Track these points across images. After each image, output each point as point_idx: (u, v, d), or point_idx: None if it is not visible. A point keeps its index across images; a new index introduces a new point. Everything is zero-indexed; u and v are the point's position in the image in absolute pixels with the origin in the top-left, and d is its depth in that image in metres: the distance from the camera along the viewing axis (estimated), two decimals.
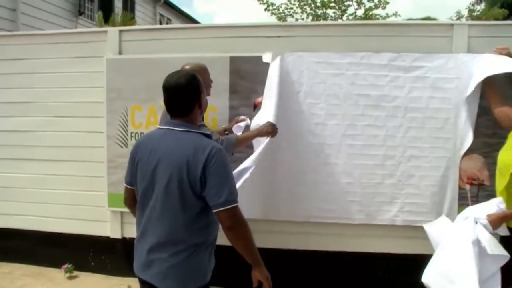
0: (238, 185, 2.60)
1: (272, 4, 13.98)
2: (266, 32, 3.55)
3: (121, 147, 3.72)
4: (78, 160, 3.91)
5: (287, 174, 3.44)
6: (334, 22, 10.78)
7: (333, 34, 3.53)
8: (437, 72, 3.33)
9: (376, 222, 3.43)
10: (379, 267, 3.53)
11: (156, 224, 1.92)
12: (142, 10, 15.48)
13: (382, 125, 3.38)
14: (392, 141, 3.38)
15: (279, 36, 3.51)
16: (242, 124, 3.36)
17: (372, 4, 13.26)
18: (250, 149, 3.27)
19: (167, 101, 1.99)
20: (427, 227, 2.97)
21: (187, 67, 2.92)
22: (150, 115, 3.66)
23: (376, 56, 3.38)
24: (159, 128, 2.05)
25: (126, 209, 2.28)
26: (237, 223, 1.90)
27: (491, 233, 2.68)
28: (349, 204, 3.43)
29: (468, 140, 3.28)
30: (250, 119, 3.37)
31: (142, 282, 2.00)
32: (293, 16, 14.10)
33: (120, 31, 3.81)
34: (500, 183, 2.74)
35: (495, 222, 2.68)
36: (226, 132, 3.36)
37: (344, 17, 13.57)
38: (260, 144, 3.13)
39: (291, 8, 13.98)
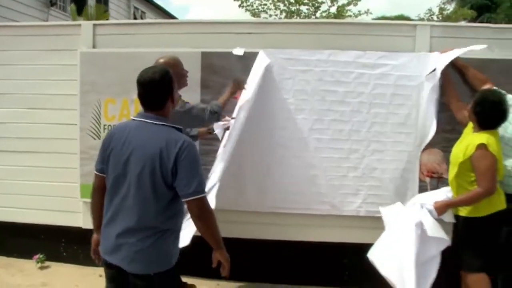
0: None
1: (246, 0, 14.05)
2: (237, 29, 3.66)
3: (94, 139, 3.77)
4: (51, 151, 3.95)
5: (256, 166, 3.57)
6: (303, 20, 10.94)
7: (303, 32, 3.65)
8: (400, 70, 3.49)
9: (341, 213, 3.58)
10: (344, 256, 3.69)
11: (127, 211, 2.01)
12: (116, 2, 15.35)
13: (348, 120, 3.53)
14: (357, 136, 3.53)
15: (250, 33, 3.62)
16: (222, 123, 3.42)
17: (345, 1, 13.46)
18: (218, 142, 3.42)
19: (141, 95, 2.08)
20: (382, 209, 3.17)
21: (161, 60, 3.01)
22: (123, 108, 3.72)
23: (343, 53, 3.52)
24: (133, 119, 2.13)
25: None
26: (205, 212, 2.02)
27: (436, 218, 2.90)
28: (315, 196, 3.57)
29: (430, 135, 3.45)
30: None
31: (108, 264, 2.09)
32: (266, 12, 14.18)
33: (94, 25, 3.86)
34: (451, 173, 2.96)
35: (440, 209, 2.92)
36: (210, 131, 3.48)
37: (318, 14, 13.71)
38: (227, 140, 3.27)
39: (265, 5, 14.05)
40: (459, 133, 3.16)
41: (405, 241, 2.85)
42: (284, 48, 3.54)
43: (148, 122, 2.05)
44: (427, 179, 3.54)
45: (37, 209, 4.01)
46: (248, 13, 14.25)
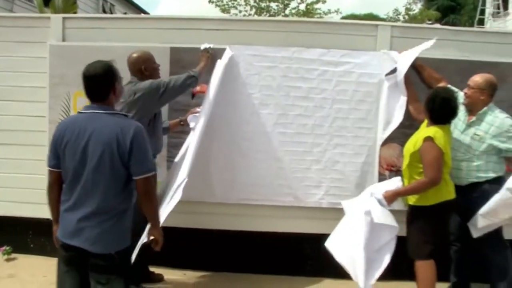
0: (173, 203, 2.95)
1: None
2: (205, 25, 3.75)
3: None
4: (20, 143, 3.94)
5: (223, 159, 3.67)
6: (270, 18, 11.07)
7: (269, 29, 3.76)
8: (362, 68, 3.65)
9: (304, 204, 3.72)
10: (307, 246, 3.80)
11: (88, 196, 2.18)
12: None
13: (311, 115, 3.67)
14: (319, 130, 3.67)
15: (217, 29, 3.71)
16: (197, 115, 3.52)
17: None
18: (186, 134, 3.52)
19: (86, 88, 2.26)
20: (344, 203, 3.30)
21: (134, 54, 3.22)
22: None
23: (307, 51, 3.65)
24: (80, 112, 2.31)
25: None
26: (151, 189, 2.29)
27: (385, 207, 3.05)
28: (279, 188, 3.69)
29: (388, 130, 3.61)
30: (189, 107, 3.60)
31: (67, 247, 2.20)
32: (236, 8, 14.31)
33: (64, 18, 3.88)
34: (404, 165, 3.14)
35: (389, 197, 3.06)
36: (182, 123, 3.59)
37: (287, 11, 13.88)
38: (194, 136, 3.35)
39: (235, 0, 14.19)
40: (417, 128, 3.31)
41: (356, 229, 3.00)
42: (251, 44, 3.65)
43: (98, 112, 2.23)
44: (387, 172, 3.70)
45: (4, 201, 4.01)
46: (218, 8, 14.39)
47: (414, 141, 3.05)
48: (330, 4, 14.19)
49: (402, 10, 18.53)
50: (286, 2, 13.89)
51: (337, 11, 14.53)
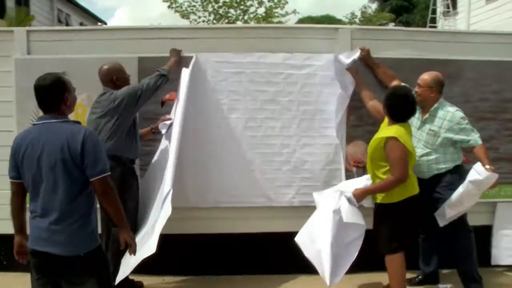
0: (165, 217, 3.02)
1: (176, 1, 14.16)
2: (172, 34, 3.83)
3: None
4: None
5: (195, 164, 3.74)
6: (234, 25, 11.15)
7: (234, 36, 3.88)
8: (325, 70, 3.80)
9: (277, 204, 3.83)
10: (282, 245, 3.87)
11: (52, 203, 2.26)
12: (38, 5, 14.92)
13: (279, 118, 3.79)
14: (287, 132, 3.80)
15: (184, 38, 3.78)
16: (168, 122, 3.60)
17: (272, 4, 13.90)
18: (157, 142, 3.59)
19: (38, 99, 2.34)
20: (315, 194, 3.40)
21: (105, 66, 3.33)
22: None
23: (272, 56, 3.78)
24: (33, 124, 2.40)
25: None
26: (109, 189, 2.33)
27: (355, 205, 3.15)
28: (251, 189, 3.79)
29: (338, 129, 3.79)
30: (159, 115, 3.66)
31: (37, 253, 2.27)
32: (195, 14, 14.35)
33: (28, 31, 3.86)
34: (367, 164, 3.27)
35: (359, 195, 3.16)
36: (153, 130, 3.66)
37: (246, 17, 14.01)
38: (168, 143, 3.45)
39: (194, 6, 14.22)
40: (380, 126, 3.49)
41: (324, 226, 3.10)
42: (217, 51, 3.75)
43: (49, 122, 2.31)
44: (354, 169, 3.87)
45: None
46: (177, 14, 14.38)
47: (377, 141, 3.14)
48: (286, 7, 14.68)
49: (358, 13, 19.51)
50: (244, 8, 14.03)
51: (294, 12, 14.84)
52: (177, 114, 3.45)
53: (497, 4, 10.99)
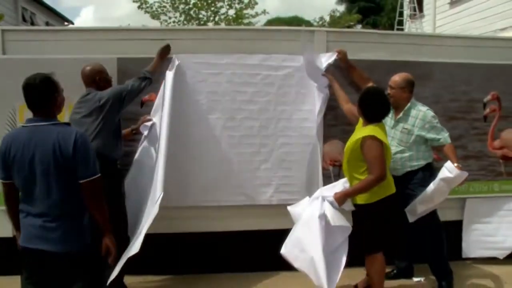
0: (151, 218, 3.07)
1: (146, 2, 14.11)
2: (150, 35, 3.85)
3: None
4: None
5: (175, 164, 3.73)
6: (213, 27, 11.21)
7: (212, 38, 3.93)
8: (302, 71, 3.87)
9: (256, 202, 3.90)
10: (261, 242, 3.91)
11: (44, 203, 2.29)
12: (2, 3, 14.57)
13: (257, 118, 3.86)
14: (266, 131, 3.87)
15: (163, 39, 3.79)
16: (149, 123, 3.64)
17: (242, 5, 14.03)
18: (137, 142, 3.63)
19: (28, 100, 2.34)
20: (290, 208, 3.42)
21: (88, 67, 3.35)
22: None
23: (250, 57, 3.85)
24: (23, 126, 2.39)
25: None
26: (98, 192, 2.38)
27: (336, 208, 3.16)
28: (231, 188, 3.84)
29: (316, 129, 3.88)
30: (139, 116, 3.69)
31: (29, 251, 2.29)
32: (166, 15, 14.31)
33: (3, 30, 3.81)
34: (344, 165, 3.31)
35: (339, 199, 3.17)
36: (134, 131, 3.68)
37: (217, 18, 14.08)
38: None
39: (164, 7, 14.19)
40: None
41: (312, 234, 3.08)
42: (196, 53, 3.79)
43: (39, 124, 2.33)
44: (330, 167, 3.97)
45: None
46: (147, 14, 14.33)
47: (353, 142, 3.17)
48: (256, 7, 15.02)
49: (327, 17, 20.05)
50: (215, 9, 14.08)
51: (264, 12, 15.02)
52: (164, 116, 3.47)
53: (460, 8, 11.39)
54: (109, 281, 2.72)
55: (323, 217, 3.12)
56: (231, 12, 14.36)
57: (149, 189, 3.35)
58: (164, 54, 3.66)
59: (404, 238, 3.76)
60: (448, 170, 3.35)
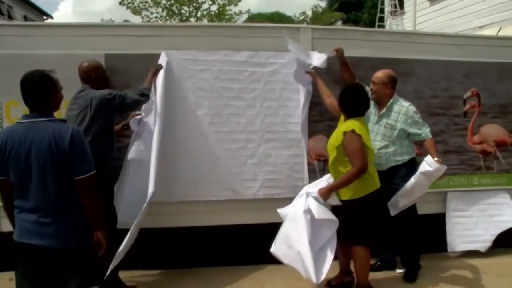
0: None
1: None
2: (138, 32, 3.88)
3: None
4: None
5: (163, 159, 3.75)
6: (200, 23, 11.18)
7: (200, 34, 3.96)
8: (288, 68, 3.94)
9: (242, 197, 3.96)
10: (248, 236, 3.95)
11: (40, 199, 2.30)
12: None
13: (243, 114, 3.92)
14: (252, 127, 3.93)
15: (151, 36, 3.83)
16: (138, 117, 3.67)
17: (225, 1, 14.07)
18: (127, 138, 3.64)
19: (25, 96, 2.35)
20: (280, 210, 3.42)
21: (85, 63, 3.36)
22: (27, 110, 3.74)
23: (236, 54, 3.90)
24: (18, 122, 2.38)
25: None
26: (93, 188, 2.40)
27: (322, 204, 3.22)
28: (217, 183, 3.90)
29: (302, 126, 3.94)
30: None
31: (24, 246, 2.30)
32: (148, 10, 14.29)
33: None
34: (329, 160, 3.37)
35: (324, 194, 3.23)
36: (125, 127, 3.69)
37: (199, 14, 14.10)
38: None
39: (146, 2, 14.18)
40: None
41: (298, 229, 3.14)
42: (183, 49, 3.82)
43: (35, 121, 2.32)
44: (315, 162, 4.06)
45: None
46: (129, 10, 14.29)
47: (335, 137, 3.26)
48: (239, 4, 15.01)
49: (309, 13, 20.13)
50: (197, 5, 14.08)
51: (248, 12, 15.10)
52: (156, 112, 3.49)
53: (440, 6, 11.57)
54: (105, 277, 2.76)
55: (308, 212, 3.19)
56: (214, 8, 14.40)
57: (141, 185, 3.37)
58: (157, 72, 3.61)
59: (387, 231, 3.84)
60: (428, 164, 3.45)
